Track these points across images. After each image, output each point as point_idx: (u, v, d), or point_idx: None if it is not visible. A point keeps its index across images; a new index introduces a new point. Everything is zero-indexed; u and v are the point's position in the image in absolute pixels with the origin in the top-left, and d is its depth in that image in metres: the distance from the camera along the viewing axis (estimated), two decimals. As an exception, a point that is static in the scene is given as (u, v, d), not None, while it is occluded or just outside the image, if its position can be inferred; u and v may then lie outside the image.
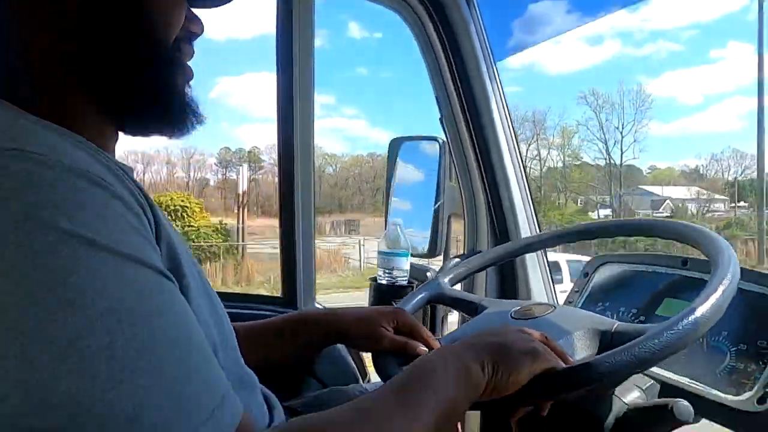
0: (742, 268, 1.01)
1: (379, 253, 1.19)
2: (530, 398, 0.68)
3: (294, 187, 1.31)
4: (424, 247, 1.39)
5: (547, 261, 1.35)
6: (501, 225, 1.33)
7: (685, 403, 0.73)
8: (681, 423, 0.73)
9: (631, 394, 0.89)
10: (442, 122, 1.49)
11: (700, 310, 0.69)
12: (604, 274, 1.20)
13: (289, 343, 0.89)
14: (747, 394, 0.85)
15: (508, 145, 1.37)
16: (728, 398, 0.87)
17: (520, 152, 1.40)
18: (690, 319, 0.68)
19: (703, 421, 0.99)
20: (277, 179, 1.42)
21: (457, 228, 1.65)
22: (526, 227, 1.33)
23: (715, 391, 0.89)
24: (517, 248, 1.15)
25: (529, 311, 0.92)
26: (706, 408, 0.91)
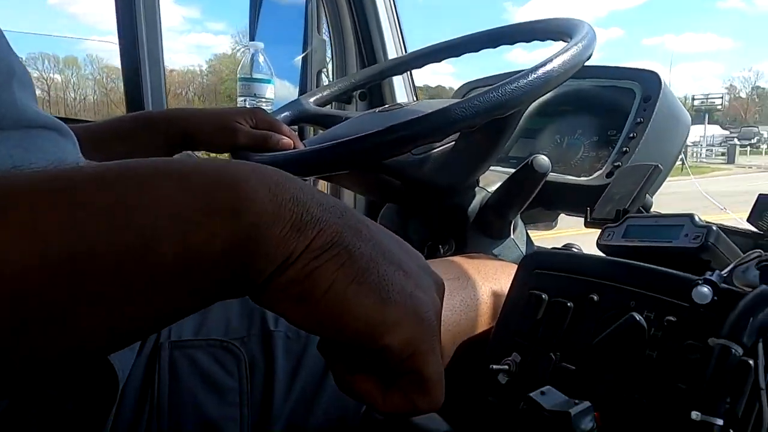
0: (599, 66, 1.05)
1: (240, 79, 1.09)
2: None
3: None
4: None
5: (414, 86, 1.32)
6: (368, 48, 1.27)
7: (542, 156, 0.74)
8: (541, 176, 0.74)
9: (494, 185, 0.90)
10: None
11: (555, 62, 0.68)
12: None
13: (130, 145, 0.78)
14: (597, 173, 0.89)
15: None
16: (582, 179, 0.91)
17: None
18: (545, 68, 0.67)
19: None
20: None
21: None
22: (393, 52, 1.28)
23: (572, 177, 0.93)
24: (384, 69, 1.10)
25: (394, 106, 0.89)
26: (563, 196, 0.94)
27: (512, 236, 0.89)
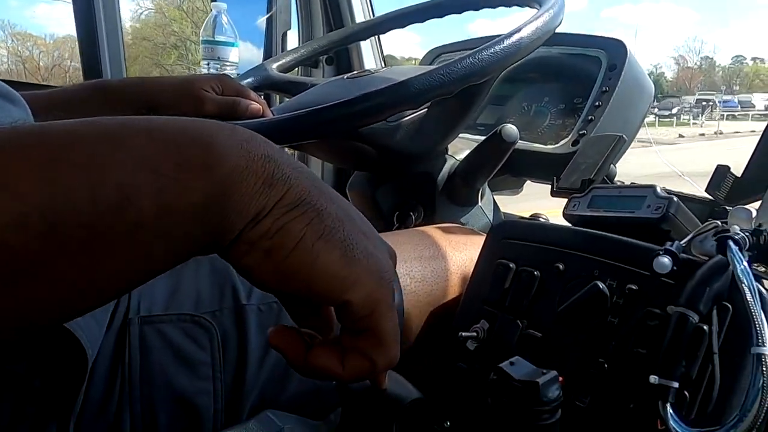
0: (567, 33, 1.05)
1: (202, 42, 1.05)
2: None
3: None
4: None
5: (383, 52, 1.31)
6: (335, 11, 1.24)
7: (511, 125, 0.74)
8: (509, 145, 0.74)
9: (462, 153, 0.90)
10: None
11: (530, 28, 0.68)
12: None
13: (86, 115, 0.74)
14: (563, 141, 0.91)
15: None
16: (548, 147, 0.92)
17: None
18: (520, 34, 0.67)
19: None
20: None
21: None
22: (361, 16, 1.26)
23: (538, 145, 0.94)
24: (351, 33, 1.08)
25: (363, 73, 0.88)
26: (530, 164, 0.96)
27: (480, 204, 0.91)
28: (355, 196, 0.94)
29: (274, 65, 1.01)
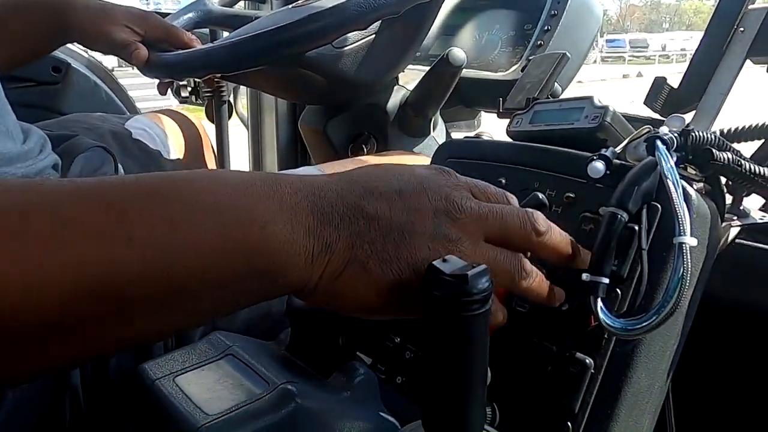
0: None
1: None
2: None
3: None
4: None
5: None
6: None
7: (458, 48, 0.74)
8: (456, 68, 0.74)
9: (413, 83, 0.89)
10: None
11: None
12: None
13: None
14: (514, 67, 0.90)
15: None
16: (499, 75, 0.92)
17: None
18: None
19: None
20: None
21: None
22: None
23: (489, 73, 0.93)
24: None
25: (309, 1, 0.85)
26: (481, 93, 0.96)
27: (432, 134, 0.91)
28: (307, 131, 0.93)
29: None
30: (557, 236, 0.38)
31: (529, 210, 0.38)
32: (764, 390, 0.64)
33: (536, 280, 0.37)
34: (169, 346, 0.49)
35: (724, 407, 0.68)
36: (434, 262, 0.31)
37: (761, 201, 0.58)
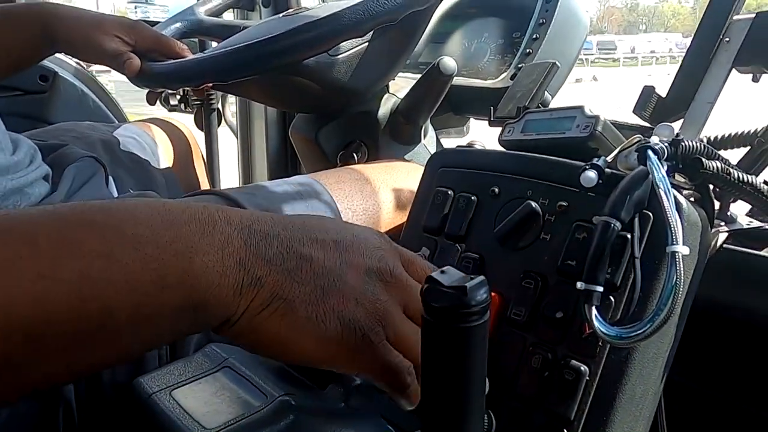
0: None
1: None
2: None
3: None
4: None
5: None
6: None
7: (448, 57, 0.74)
8: (447, 77, 0.75)
9: (404, 91, 0.90)
10: None
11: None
12: None
13: None
14: (503, 75, 0.91)
15: None
16: (488, 83, 0.92)
17: None
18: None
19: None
20: None
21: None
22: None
23: (478, 81, 0.94)
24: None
25: (299, 10, 0.85)
26: (471, 100, 0.96)
27: (423, 141, 0.91)
28: (298, 139, 0.93)
29: (203, 8, 0.97)
30: None
31: None
32: (754, 393, 0.65)
33: None
34: (164, 359, 0.49)
35: (715, 411, 0.68)
36: (433, 274, 0.31)
37: (747, 206, 0.59)
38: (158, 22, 1.03)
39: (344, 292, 0.33)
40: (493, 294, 0.46)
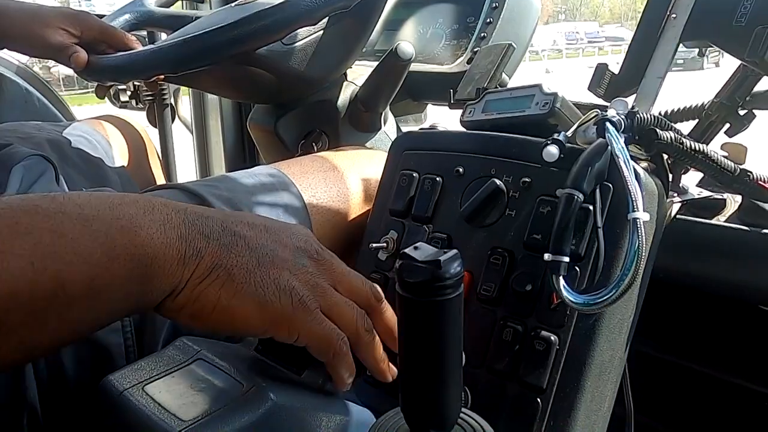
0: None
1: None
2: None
3: None
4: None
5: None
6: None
7: (405, 42, 0.75)
8: (405, 62, 0.75)
9: (362, 78, 0.89)
10: None
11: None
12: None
13: None
14: (459, 60, 0.92)
15: None
16: (445, 68, 0.93)
17: None
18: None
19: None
20: None
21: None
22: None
23: (435, 66, 0.95)
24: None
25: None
26: (428, 86, 0.97)
27: (384, 129, 0.91)
28: (257, 130, 0.92)
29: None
30: (391, 311, 0.41)
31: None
32: (707, 356, 0.68)
33: (377, 340, 0.40)
34: (132, 356, 0.47)
35: (674, 374, 0.72)
36: (406, 250, 0.32)
37: (697, 178, 0.61)
38: (105, 15, 1.00)
39: (277, 263, 0.36)
40: (463, 271, 0.47)
